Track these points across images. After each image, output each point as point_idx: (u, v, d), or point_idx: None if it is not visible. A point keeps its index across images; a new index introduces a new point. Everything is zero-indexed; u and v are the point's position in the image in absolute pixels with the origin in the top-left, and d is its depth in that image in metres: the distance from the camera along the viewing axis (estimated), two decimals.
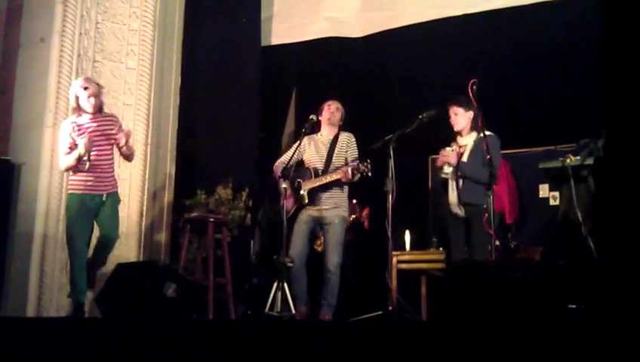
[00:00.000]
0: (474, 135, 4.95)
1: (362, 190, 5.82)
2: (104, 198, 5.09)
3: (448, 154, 4.91)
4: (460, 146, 4.99)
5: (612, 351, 2.43)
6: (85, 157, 4.99)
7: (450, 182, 4.94)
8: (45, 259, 5.79)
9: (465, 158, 4.91)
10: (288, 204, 5.15)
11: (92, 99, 5.07)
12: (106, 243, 5.14)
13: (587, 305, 3.80)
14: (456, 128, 5.00)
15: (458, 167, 4.87)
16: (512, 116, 6.38)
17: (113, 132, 5.10)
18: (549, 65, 6.37)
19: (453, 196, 4.92)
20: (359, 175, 5.04)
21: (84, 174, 5.03)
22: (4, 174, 5.86)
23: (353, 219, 6.77)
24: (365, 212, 6.77)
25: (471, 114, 4.95)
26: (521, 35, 6.31)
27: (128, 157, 5.29)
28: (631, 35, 2.92)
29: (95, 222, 5.11)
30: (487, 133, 4.83)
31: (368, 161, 5.02)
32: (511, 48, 6.40)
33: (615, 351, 2.43)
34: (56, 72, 6.07)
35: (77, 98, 5.08)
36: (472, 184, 4.84)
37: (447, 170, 4.93)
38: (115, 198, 5.19)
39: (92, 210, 5.06)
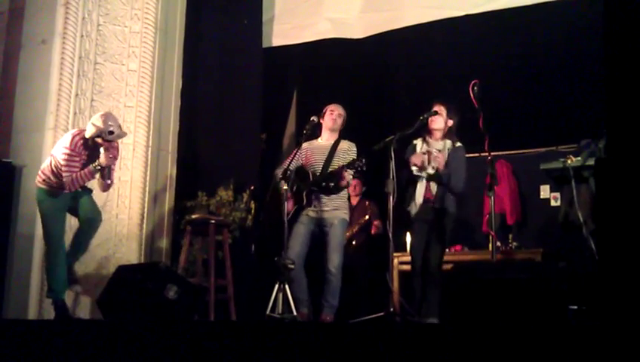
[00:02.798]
0: (446, 143, 5.02)
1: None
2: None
3: (439, 156, 4.94)
4: (434, 150, 5.04)
5: (614, 353, 2.43)
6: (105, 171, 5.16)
7: (421, 182, 4.99)
8: None
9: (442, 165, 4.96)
10: (289, 206, 5.15)
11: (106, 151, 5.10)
12: (89, 227, 5.23)
13: (588, 306, 3.79)
14: (432, 125, 5.04)
15: (439, 173, 4.93)
16: (514, 117, 6.38)
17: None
18: (551, 65, 6.37)
19: (420, 197, 4.98)
20: (354, 170, 5.03)
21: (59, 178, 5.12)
22: (5, 176, 5.87)
23: (365, 220, 6.75)
24: (375, 223, 6.76)
25: (450, 122, 5.07)
26: (523, 35, 6.31)
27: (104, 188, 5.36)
28: (633, 35, 2.91)
29: (73, 211, 5.23)
30: (458, 144, 5.01)
31: (362, 155, 5.02)
32: (512, 49, 6.40)
33: (617, 353, 2.43)
34: (58, 73, 6.07)
35: (99, 135, 5.06)
36: (446, 191, 4.92)
37: (429, 170, 4.98)
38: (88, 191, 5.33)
39: (65, 203, 5.18)
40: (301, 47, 7.11)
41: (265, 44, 7.09)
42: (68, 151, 5.05)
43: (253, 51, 7.00)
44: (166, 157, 6.62)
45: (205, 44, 7.02)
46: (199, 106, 6.93)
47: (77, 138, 5.11)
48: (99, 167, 5.09)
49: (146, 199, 6.30)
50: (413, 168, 5.01)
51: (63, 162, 5.03)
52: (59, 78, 6.08)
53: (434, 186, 4.98)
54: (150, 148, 6.40)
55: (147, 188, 6.28)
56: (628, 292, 2.69)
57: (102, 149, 5.07)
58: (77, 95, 6.17)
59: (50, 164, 5.16)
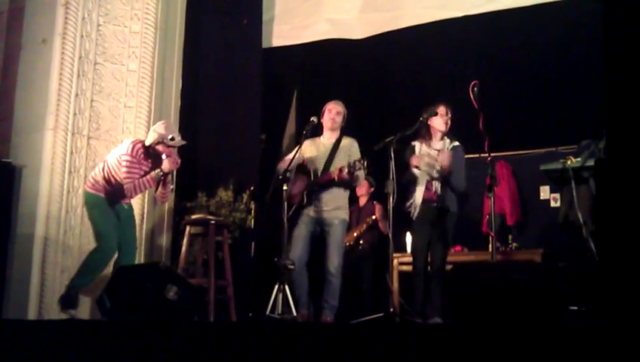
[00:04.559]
0: (446, 142, 5.03)
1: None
2: (125, 206, 5.37)
3: (446, 153, 4.95)
4: (434, 150, 5.05)
5: (614, 353, 2.43)
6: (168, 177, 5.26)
7: (420, 183, 5.00)
8: (46, 261, 5.78)
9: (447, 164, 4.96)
10: (296, 193, 5.18)
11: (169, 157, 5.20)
12: (133, 249, 5.39)
13: (588, 306, 3.79)
14: (444, 129, 5.06)
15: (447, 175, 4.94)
16: (513, 118, 6.39)
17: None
18: (550, 66, 6.37)
19: (419, 197, 4.99)
20: (354, 172, 5.01)
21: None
22: (5, 176, 5.85)
23: (372, 220, 6.74)
24: (378, 209, 6.72)
25: (449, 122, 5.05)
26: (522, 36, 6.31)
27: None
28: (633, 36, 2.92)
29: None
30: (457, 143, 5.05)
31: (364, 158, 5.03)
32: (512, 50, 6.40)
33: (617, 353, 2.42)
34: (58, 74, 6.06)
35: (160, 141, 5.17)
36: (449, 191, 4.93)
37: (435, 170, 5.00)
38: (131, 208, 5.50)
39: (115, 212, 5.27)
40: (301, 47, 7.11)
41: (265, 45, 7.09)
42: (129, 158, 5.09)
43: (253, 51, 7.00)
44: None
45: (205, 44, 7.02)
46: (199, 106, 6.93)
47: (138, 145, 5.17)
48: (161, 173, 5.13)
49: (146, 199, 6.30)
50: (415, 170, 5.03)
51: (123, 169, 5.08)
52: (59, 78, 6.06)
53: (436, 186, 4.98)
54: None
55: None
56: (628, 293, 2.69)
57: (164, 156, 5.12)
58: (77, 95, 6.16)
59: (102, 170, 5.21)
